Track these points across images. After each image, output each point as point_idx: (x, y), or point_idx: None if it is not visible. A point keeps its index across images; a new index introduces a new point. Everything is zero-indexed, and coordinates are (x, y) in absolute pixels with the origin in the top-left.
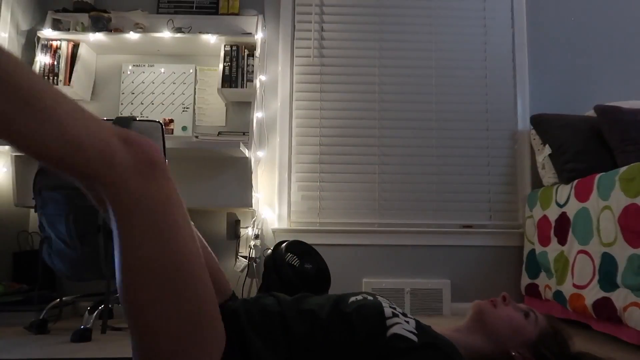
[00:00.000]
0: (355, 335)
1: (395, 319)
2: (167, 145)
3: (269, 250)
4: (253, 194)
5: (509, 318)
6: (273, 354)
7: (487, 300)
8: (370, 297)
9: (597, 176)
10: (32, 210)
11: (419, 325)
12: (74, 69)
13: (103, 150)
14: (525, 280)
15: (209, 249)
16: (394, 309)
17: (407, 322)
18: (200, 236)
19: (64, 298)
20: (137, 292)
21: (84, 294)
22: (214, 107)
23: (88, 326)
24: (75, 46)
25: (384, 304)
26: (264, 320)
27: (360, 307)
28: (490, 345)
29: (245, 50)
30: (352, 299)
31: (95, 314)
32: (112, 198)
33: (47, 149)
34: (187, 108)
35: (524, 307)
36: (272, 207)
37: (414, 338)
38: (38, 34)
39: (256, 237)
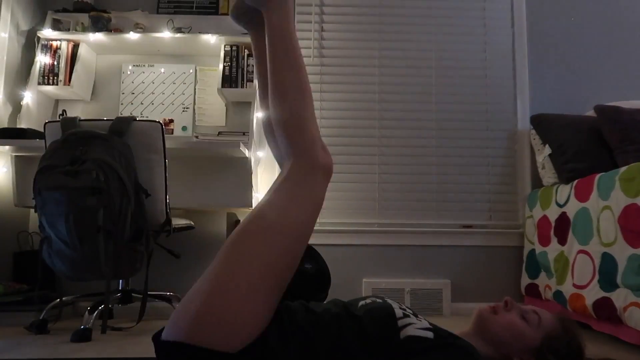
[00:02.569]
0: (367, 336)
1: (407, 319)
2: (167, 146)
3: None
4: (253, 194)
5: (509, 325)
6: (286, 350)
7: (488, 306)
8: (379, 300)
9: (597, 176)
10: (32, 210)
11: (431, 324)
12: (74, 69)
13: (315, 143)
14: (525, 280)
15: None
16: (405, 309)
17: (420, 320)
18: None
19: (64, 298)
20: (263, 229)
21: (84, 294)
22: (214, 107)
23: (88, 326)
24: (75, 46)
25: (394, 305)
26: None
27: (370, 310)
28: (493, 351)
29: (245, 50)
30: (362, 302)
31: (95, 314)
32: (299, 170)
33: (290, 125)
34: (187, 108)
35: (529, 309)
36: None
37: (430, 335)
38: (38, 34)
39: None
